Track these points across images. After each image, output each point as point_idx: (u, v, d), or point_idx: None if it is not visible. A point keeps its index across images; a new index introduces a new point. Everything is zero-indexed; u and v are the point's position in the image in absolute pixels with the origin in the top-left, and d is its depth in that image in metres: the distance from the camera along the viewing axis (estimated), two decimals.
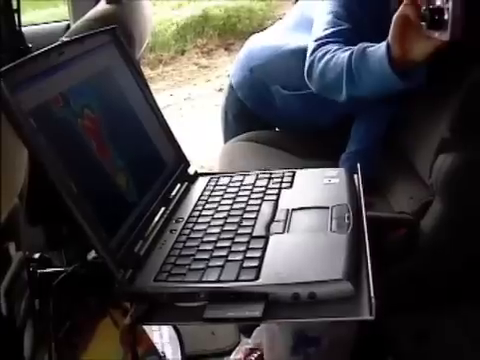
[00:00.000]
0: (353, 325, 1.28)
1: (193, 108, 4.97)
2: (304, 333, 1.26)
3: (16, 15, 1.20)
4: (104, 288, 0.94)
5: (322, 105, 1.83)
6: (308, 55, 1.55)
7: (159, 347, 1.14)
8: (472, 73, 1.33)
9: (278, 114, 1.97)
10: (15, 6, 1.20)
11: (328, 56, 1.47)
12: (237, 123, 2.09)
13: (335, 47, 1.49)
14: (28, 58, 0.86)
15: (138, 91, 1.16)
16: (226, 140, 2.12)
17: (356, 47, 1.40)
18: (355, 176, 1.16)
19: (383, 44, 1.31)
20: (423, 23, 1.18)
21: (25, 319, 0.81)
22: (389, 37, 1.28)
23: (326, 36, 1.54)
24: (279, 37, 1.92)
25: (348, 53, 1.41)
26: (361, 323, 1.26)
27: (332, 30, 1.54)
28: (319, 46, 1.52)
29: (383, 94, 1.43)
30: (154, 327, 1.18)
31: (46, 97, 0.87)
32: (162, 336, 1.38)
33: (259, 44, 2.00)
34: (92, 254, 1.10)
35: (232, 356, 1.44)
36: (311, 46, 1.56)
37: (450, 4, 1.10)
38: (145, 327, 1.08)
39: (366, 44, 1.39)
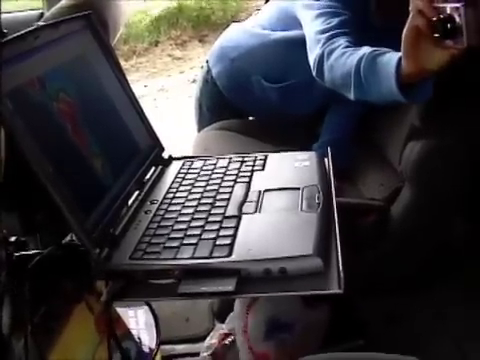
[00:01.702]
0: (325, 310, 1.30)
1: (167, 99, 4.96)
2: (277, 319, 1.27)
3: None
4: (79, 272, 0.96)
5: (300, 97, 1.86)
6: (317, 47, 1.51)
7: (135, 333, 1.15)
8: None
9: (256, 104, 1.98)
10: None
11: (338, 52, 1.44)
12: (212, 114, 2.09)
13: (344, 42, 1.46)
14: (3, 42, 0.87)
15: (113, 76, 1.18)
16: (200, 131, 2.12)
17: (366, 53, 1.34)
18: (325, 160, 1.19)
19: (395, 57, 1.25)
20: (436, 35, 1.12)
21: (2, 297, 0.82)
22: (402, 51, 1.21)
23: (332, 28, 1.51)
24: (259, 28, 1.92)
25: (357, 57, 1.36)
26: (333, 307, 1.29)
27: (336, 21, 1.52)
28: (328, 39, 1.49)
29: (390, 104, 1.38)
30: (130, 314, 1.19)
31: (22, 80, 0.89)
32: (138, 323, 1.39)
33: (240, 34, 1.99)
34: (67, 239, 1.12)
35: (206, 341, 1.45)
36: (317, 38, 1.52)
37: (462, 10, 1.06)
38: (121, 313, 1.10)
39: (376, 51, 1.34)
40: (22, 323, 0.88)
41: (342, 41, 1.46)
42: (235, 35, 2.01)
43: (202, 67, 2.11)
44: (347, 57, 1.40)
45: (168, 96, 5.07)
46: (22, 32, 0.92)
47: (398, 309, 1.44)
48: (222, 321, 1.49)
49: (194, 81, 5.03)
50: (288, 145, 1.77)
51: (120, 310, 1.11)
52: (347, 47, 1.43)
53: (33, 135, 0.85)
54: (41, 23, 0.99)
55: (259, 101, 1.94)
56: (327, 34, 1.49)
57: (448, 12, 1.09)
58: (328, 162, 1.18)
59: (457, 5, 1.07)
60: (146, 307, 1.57)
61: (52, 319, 0.96)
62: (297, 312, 1.27)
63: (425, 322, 1.42)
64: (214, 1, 7.23)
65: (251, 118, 2.13)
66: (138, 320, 1.38)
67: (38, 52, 0.95)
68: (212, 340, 1.44)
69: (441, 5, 1.10)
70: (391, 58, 1.26)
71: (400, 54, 1.22)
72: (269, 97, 1.91)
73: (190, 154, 1.90)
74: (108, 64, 1.18)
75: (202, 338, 1.51)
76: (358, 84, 1.36)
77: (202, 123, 2.12)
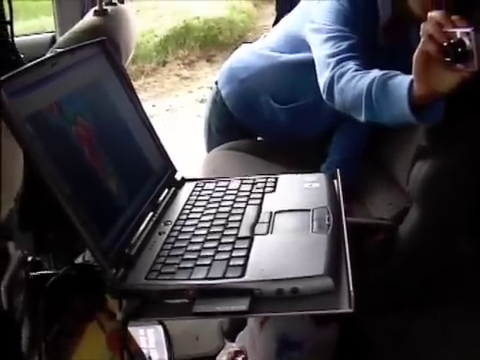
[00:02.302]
0: (335, 328, 1.32)
1: (176, 119, 4.99)
2: (287, 337, 1.29)
3: (8, 26, 1.23)
4: (92, 291, 0.98)
5: (309, 119, 1.88)
6: (327, 70, 1.54)
7: (145, 352, 1.17)
8: None
9: (265, 125, 2.00)
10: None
11: (348, 76, 1.47)
12: (221, 135, 2.12)
13: (354, 66, 1.49)
14: (25, 68, 0.90)
15: (127, 100, 1.20)
16: (209, 151, 2.14)
17: (377, 76, 1.38)
18: (335, 181, 1.22)
19: (406, 80, 1.29)
20: (447, 59, 1.16)
21: (23, 314, 0.84)
22: (413, 74, 1.25)
23: (341, 51, 1.54)
24: (268, 50, 1.95)
25: (368, 80, 1.40)
26: (342, 326, 1.30)
27: (345, 45, 1.55)
28: (338, 63, 1.52)
29: (400, 126, 1.43)
30: (140, 332, 1.21)
31: (42, 105, 0.92)
32: (148, 342, 1.40)
33: (250, 55, 2.01)
34: (79, 259, 1.14)
35: None
36: (327, 62, 1.55)
37: (472, 34, 1.10)
38: (131, 332, 1.11)
39: (387, 74, 1.37)
40: (37, 341, 0.90)
41: (352, 64, 1.48)
42: (245, 56, 2.03)
43: (211, 88, 2.14)
44: (358, 80, 1.43)
45: (176, 116, 5.10)
46: (41, 59, 0.95)
47: (405, 327, 1.45)
48: (232, 340, 1.50)
49: (202, 101, 5.07)
50: (297, 165, 1.79)
51: (130, 329, 1.13)
52: (357, 70, 1.46)
53: (52, 158, 0.87)
54: (59, 49, 1.01)
55: (268, 122, 1.97)
56: (336, 58, 1.52)
57: (458, 37, 1.12)
58: (337, 183, 1.20)
59: (467, 30, 1.10)
60: (156, 326, 1.58)
61: (65, 337, 0.96)
62: (307, 331, 1.28)
63: (430, 340, 1.43)
64: (222, 21, 7.29)
65: (260, 139, 2.16)
66: (148, 339, 1.40)
67: (56, 78, 0.98)
68: (222, 358, 1.45)
69: (451, 30, 1.14)
70: (402, 81, 1.29)
71: (411, 77, 1.25)
72: (278, 118, 1.93)
73: (199, 174, 1.93)
74: (122, 88, 1.20)
75: (212, 357, 1.52)
76: (369, 106, 1.39)
77: (211, 143, 2.14)
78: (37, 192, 0.91)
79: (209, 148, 2.14)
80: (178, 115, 5.13)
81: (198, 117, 4.73)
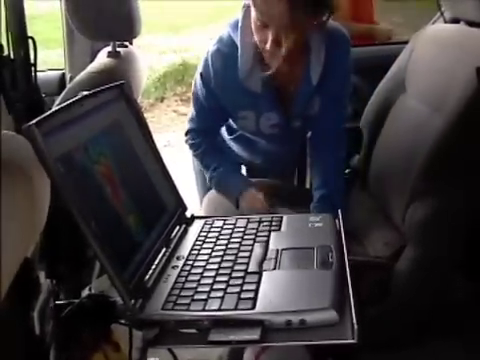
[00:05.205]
0: None
1: (173, 155, 5.02)
2: None
3: (32, 68, 1.31)
4: (100, 322, 1.03)
5: (251, 146, 2.00)
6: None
7: None
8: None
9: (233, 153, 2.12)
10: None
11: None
12: None
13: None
14: (56, 110, 0.97)
15: (143, 140, 1.27)
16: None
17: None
18: (336, 221, 1.29)
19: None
20: None
21: (52, 340, 0.90)
22: None
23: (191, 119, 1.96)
24: None
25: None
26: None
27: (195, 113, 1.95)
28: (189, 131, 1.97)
29: None
30: None
31: (70, 145, 0.98)
32: None
33: None
34: (86, 291, 1.19)
35: None
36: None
37: None
38: None
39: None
40: None
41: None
42: None
43: None
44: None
45: (174, 152, 5.14)
46: (70, 101, 1.02)
47: None
48: None
49: None
50: (291, 201, 1.84)
51: None
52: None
53: (80, 195, 0.93)
54: (84, 92, 1.08)
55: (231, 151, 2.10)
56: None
57: None
58: (339, 223, 1.27)
59: None
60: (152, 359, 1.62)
61: None
62: None
63: None
64: None
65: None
66: None
67: (82, 119, 1.05)
68: None
69: None
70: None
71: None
72: (232, 148, 2.07)
73: (199, 212, 1.97)
74: (138, 128, 1.27)
75: None
76: None
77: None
78: (54, 226, 0.97)
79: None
80: (176, 151, 5.16)
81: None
